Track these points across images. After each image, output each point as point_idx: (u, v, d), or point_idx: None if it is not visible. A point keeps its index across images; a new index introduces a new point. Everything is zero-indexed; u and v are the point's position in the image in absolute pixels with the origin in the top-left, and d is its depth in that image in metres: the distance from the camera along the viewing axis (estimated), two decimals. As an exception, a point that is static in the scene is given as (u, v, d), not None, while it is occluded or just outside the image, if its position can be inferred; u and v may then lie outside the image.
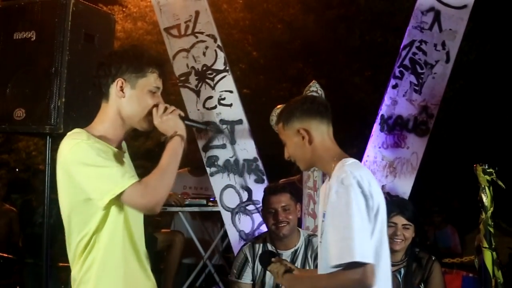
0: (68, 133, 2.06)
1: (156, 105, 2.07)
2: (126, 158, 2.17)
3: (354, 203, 1.94)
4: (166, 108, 2.07)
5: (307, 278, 2.32)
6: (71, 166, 1.95)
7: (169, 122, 2.05)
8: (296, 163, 2.25)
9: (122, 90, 2.04)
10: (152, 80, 2.07)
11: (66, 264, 2.29)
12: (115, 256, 2.03)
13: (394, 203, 3.21)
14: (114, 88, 2.05)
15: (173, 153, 2.02)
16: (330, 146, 2.18)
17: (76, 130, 2.06)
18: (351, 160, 2.09)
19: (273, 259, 2.37)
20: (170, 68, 4.14)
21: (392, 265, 2.45)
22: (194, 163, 4.63)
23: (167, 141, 2.05)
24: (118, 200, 1.95)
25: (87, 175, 1.93)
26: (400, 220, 3.11)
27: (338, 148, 2.20)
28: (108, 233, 2.01)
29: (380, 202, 2.04)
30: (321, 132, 2.17)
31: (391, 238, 2.99)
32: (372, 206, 1.99)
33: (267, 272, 3.28)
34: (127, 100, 2.05)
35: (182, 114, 2.11)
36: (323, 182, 3.74)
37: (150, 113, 2.07)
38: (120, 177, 1.92)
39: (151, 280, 2.19)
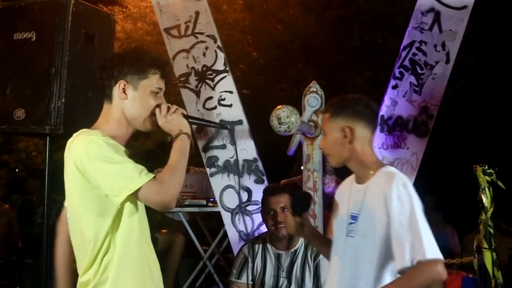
0: (81, 131, 2.06)
1: (158, 106, 2.08)
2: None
3: (416, 205, 2.03)
4: (169, 108, 2.08)
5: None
6: (87, 162, 1.93)
7: (174, 122, 2.06)
8: (327, 157, 2.24)
9: (124, 92, 2.06)
10: (154, 81, 2.08)
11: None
12: (130, 256, 2.01)
13: None
14: (116, 90, 2.07)
15: (182, 150, 2.03)
16: (369, 153, 2.20)
17: (89, 129, 2.07)
18: (393, 168, 2.18)
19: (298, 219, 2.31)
20: (170, 68, 4.14)
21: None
22: None
23: (173, 140, 2.05)
24: (133, 198, 1.95)
25: (104, 171, 1.92)
26: None
27: (376, 156, 2.23)
28: (123, 232, 1.99)
29: None
30: (364, 137, 2.18)
31: None
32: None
33: (267, 272, 3.28)
34: (130, 102, 2.07)
35: (185, 112, 2.13)
36: (323, 183, 3.76)
37: (153, 114, 2.08)
38: (137, 173, 1.91)
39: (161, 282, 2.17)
